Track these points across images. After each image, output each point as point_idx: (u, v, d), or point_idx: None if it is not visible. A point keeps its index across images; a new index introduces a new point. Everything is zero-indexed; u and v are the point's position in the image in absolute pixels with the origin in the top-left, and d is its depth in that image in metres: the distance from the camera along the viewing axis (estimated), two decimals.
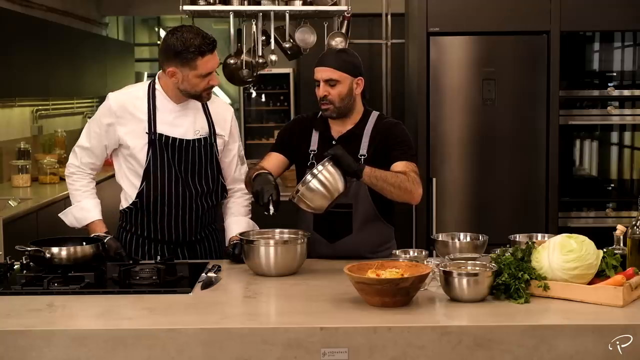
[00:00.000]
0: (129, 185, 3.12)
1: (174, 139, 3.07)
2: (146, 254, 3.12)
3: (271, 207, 2.83)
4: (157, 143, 3.06)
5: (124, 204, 3.16)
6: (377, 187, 2.92)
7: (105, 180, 5.52)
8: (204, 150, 3.12)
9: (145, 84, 3.15)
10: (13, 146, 6.04)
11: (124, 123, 3.08)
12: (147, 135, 3.06)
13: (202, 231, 3.21)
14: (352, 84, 3.05)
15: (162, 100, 3.09)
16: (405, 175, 2.95)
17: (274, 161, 3.17)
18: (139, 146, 3.07)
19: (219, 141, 3.17)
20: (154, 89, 3.10)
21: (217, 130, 3.17)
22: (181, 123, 3.10)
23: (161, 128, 3.07)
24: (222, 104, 3.28)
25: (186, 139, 3.09)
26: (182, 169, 3.09)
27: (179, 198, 3.10)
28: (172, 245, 3.15)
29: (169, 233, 3.13)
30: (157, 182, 3.07)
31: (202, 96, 3.05)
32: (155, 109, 3.08)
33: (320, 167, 2.79)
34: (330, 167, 2.80)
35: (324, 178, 2.79)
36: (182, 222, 3.13)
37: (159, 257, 2.97)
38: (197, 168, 3.12)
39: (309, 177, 2.79)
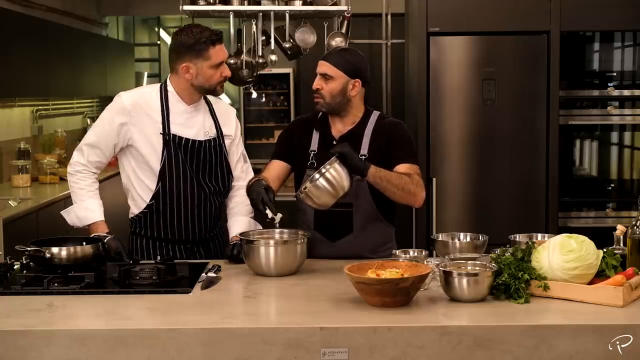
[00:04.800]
0: (143, 188, 3.13)
1: (187, 139, 3.11)
2: (164, 257, 3.11)
3: (268, 212, 2.88)
4: (172, 144, 3.08)
5: (136, 209, 3.17)
6: (381, 187, 2.93)
7: (103, 180, 5.52)
8: (214, 150, 3.16)
9: (155, 85, 3.19)
10: (13, 146, 6.04)
11: (138, 123, 3.09)
12: (161, 136, 3.08)
13: (214, 228, 3.25)
14: (346, 83, 3.06)
15: (174, 101, 3.13)
16: (409, 178, 2.96)
17: (275, 169, 3.18)
18: (153, 147, 3.09)
19: (226, 141, 3.22)
20: (166, 91, 3.14)
21: (224, 131, 3.21)
22: (193, 124, 3.14)
23: (174, 129, 3.10)
24: (225, 104, 3.34)
25: (198, 140, 3.13)
26: (194, 169, 3.12)
27: (194, 197, 3.13)
28: (188, 245, 3.18)
29: (185, 232, 3.16)
30: (173, 182, 3.10)
31: (216, 89, 3.12)
32: (169, 110, 3.11)
33: (327, 166, 2.83)
34: (337, 165, 2.83)
35: (331, 176, 2.82)
36: (198, 221, 3.16)
37: (158, 257, 2.97)
38: (209, 168, 3.16)
39: (316, 175, 2.82)
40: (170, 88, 3.14)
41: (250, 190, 2.98)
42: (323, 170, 2.82)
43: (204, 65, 3.04)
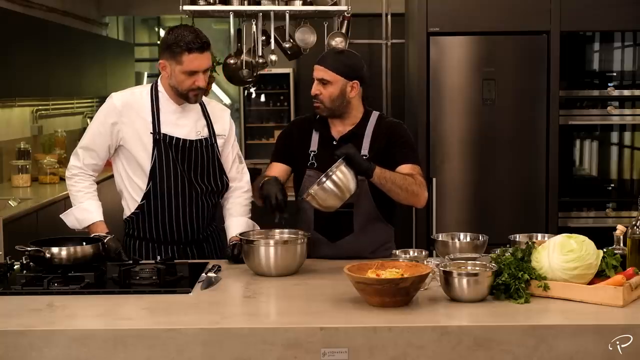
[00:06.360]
0: (134, 188, 3.13)
1: (178, 139, 3.10)
2: (157, 258, 3.11)
3: (277, 215, 2.87)
4: (162, 143, 3.08)
5: (128, 211, 3.17)
6: (385, 187, 2.92)
7: (103, 181, 5.52)
8: (205, 150, 3.16)
9: (147, 85, 3.19)
10: (13, 146, 6.04)
11: (129, 122, 3.10)
12: (151, 135, 3.08)
13: (207, 228, 3.24)
14: (344, 86, 3.05)
15: (165, 101, 3.13)
16: (412, 178, 2.96)
17: (276, 172, 3.16)
18: (144, 146, 3.08)
19: (219, 141, 3.20)
20: (157, 90, 3.14)
21: (217, 131, 3.20)
22: (184, 124, 3.13)
23: (165, 128, 3.10)
24: (218, 105, 3.34)
25: (189, 140, 3.12)
26: (185, 168, 3.11)
27: (185, 197, 3.12)
28: (181, 245, 3.17)
29: (177, 232, 3.15)
30: (163, 182, 3.09)
31: (189, 96, 3.08)
32: (159, 109, 3.11)
33: (334, 168, 2.81)
34: (343, 168, 2.82)
35: (338, 178, 2.81)
36: (190, 221, 3.15)
37: (159, 257, 2.97)
38: (200, 168, 3.15)
39: (323, 178, 2.81)
40: (160, 87, 3.14)
41: (266, 187, 2.93)
42: (330, 173, 2.81)
43: (177, 69, 3.02)
